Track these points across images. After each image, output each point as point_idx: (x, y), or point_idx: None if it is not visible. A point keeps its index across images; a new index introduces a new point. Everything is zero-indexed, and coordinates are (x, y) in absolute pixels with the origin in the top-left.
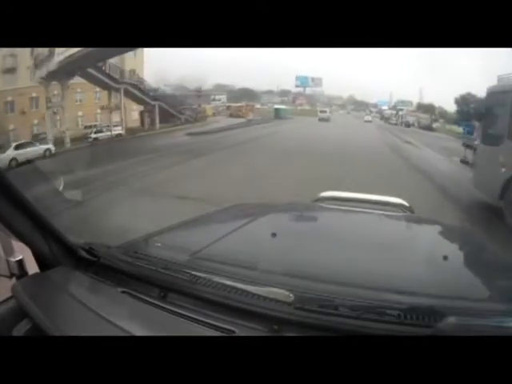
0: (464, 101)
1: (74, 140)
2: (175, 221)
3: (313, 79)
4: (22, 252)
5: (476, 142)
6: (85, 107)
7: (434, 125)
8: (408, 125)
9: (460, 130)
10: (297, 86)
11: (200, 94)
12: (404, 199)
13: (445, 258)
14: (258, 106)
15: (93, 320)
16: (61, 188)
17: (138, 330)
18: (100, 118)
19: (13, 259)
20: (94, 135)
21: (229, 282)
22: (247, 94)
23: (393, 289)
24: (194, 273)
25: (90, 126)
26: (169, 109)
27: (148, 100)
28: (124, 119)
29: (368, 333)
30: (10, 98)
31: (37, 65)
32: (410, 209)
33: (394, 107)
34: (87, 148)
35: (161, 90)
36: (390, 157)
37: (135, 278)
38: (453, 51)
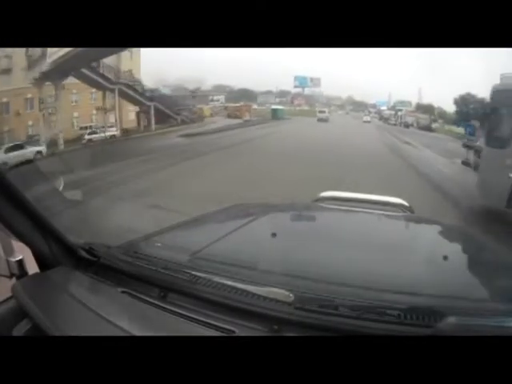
0: (463, 101)
1: (68, 141)
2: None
3: (311, 79)
4: (22, 252)
5: (477, 143)
6: (80, 108)
7: (434, 125)
8: (407, 125)
9: (460, 130)
10: (295, 87)
11: (198, 95)
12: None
13: (445, 258)
14: (255, 106)
15: (93, 320)
16: (60, 188)
17: (137, 330)
18: (96, 119)
19: (13, 259)
20: (87, 136)
21: (229, 282)
22: (246, 95)
23: (393, 289)
24: (194, 273)
25: (86, 127)
26: (165, 109)
27: (143, 101)
28: (119, 120)
29: (368, 333)
30: (4, 100)
31: (30, 65)
32: (409, 209)
33: (392, 107)
34: (79, 150)
35: (158, 91)
36: (389, 158)
37: (135, 277)
38: (452, 51)
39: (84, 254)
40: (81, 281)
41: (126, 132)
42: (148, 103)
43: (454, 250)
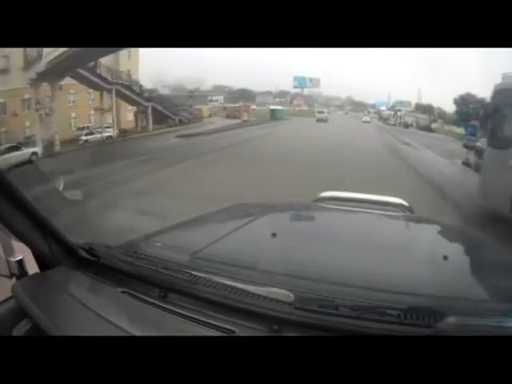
0: (463, 101)
1: (65, 142)
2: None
3: (311, 80)
4: (22, 252)
5: (478, 144)
6: (78, 108)
7: (433, 125)
8: (406, 125)
9: (460, 130)
10: (295, 87)
11: (196, 95)
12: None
13: (445, 258)
14: (253, 106)
15: (93, 320)
16: (60, 188)
17: (137, 330)
18: (94, 120)
19: (13, 259)
20: (84, 137)
21: (229, 282)
22: (245, 95)
23: (393, 289)
24: (194, 273)
25: (84, 128)
26: (162, 110)
27: (141, 101)
28: (116, 121)
29: (368, 333)
30: (0, 100)
31: (26, 66)
32: (409, 209)
33: (392, 108)
34: (75, 151)
35: (157, 91)
36: (388, 158)
37: (135, 277)
38: (451, 51)
39: (84, 254)
40: (81, 281)
41: (123, 132)
42: (145, 103)
43: (454, 250)
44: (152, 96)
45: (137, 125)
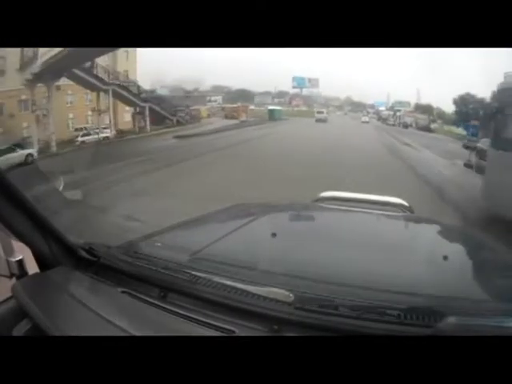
0: (463, 101)
1: (61, 143)
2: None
3: (310, 80)
4: (22, 252)
5: (479, 144)
6: (76, 109)
7: (433, 126)
8: (406, 126)
9: (459, 130)
10: (294, 87)
11: (195, 96)
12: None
13: (445, 258)
14: (252, 107)
15: (93, 320)
16: (60, 188)
17: (137, 330)
18: (91, 121)
19: (13, 259)
20: (80, 138)
21: (229, 282)
22: (244, 95)
23: (393, 289)
24: (194, 273)
25: (81, 129)
26: (160, 111)
27: (138, 102)
28: (113, 121)
29: (368, 333)
30: None
31: (22, 66)
32: (409, 209)
33: (391, 108)
34: (70, 152)
35: (155, 92)
36: (387, 159)
37: (135, 277)
38: (451, 51)
39: (84, 254)
40: (81, 281)
41: (120, 133)
42: (142, 104)
43: (454, 250)
44: (149, 97)
45: (134, 125)
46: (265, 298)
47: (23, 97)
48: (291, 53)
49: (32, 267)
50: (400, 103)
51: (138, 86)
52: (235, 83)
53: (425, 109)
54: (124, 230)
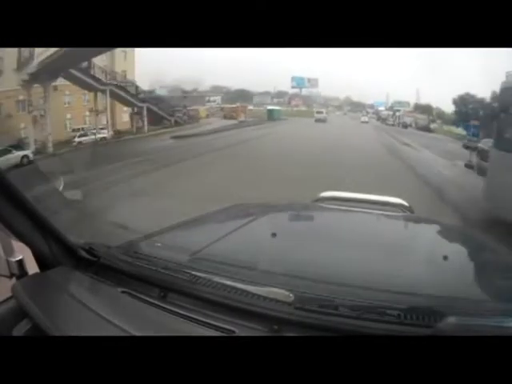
0: (462, 101)
1: (59, 144)
2: None
3: (309, 80)
4: (22, 252)
5: (480, 145)
6: (73, 110)
7: (432, 126)
8: (405, 126)
9: (458, 130)
10: (293, 87)
11: (193, 96)
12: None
13: (445, 258)
14: (250, 107)
15: (93, 320)
16: (60, 188)
17: (137, 330)
18: (89, 121)
19: (13, 259)
20: (77, 139)
21: (229, 282)
22: (243, 95)
23: (393, 289)
24: (194, 273)
25: (79, 129)
26: (158, 111)
27: (136, 102)
28: (110, 122)
29: (368, 333)
30: None
31: (19, 67)
32: (409, 209)
33: (390, 108)
34: (67, 153)
35: (154, 92)
36: (386, 159)
37: (135, 277)
38: (450, 51)
39: (84, 254)
40: (81, 281)
41: (117, 134)
42: (140, 104)
43: (454, 250)
44: (147, 97)
45: (132, 126)
46: (265, 298)
47: (21, 97)
48: (291, 53)
49: (32, 267)
50: (399, 103)
51: (136, 87)
52: (234, 83)
53: (424, 109)
54: (123, 230)
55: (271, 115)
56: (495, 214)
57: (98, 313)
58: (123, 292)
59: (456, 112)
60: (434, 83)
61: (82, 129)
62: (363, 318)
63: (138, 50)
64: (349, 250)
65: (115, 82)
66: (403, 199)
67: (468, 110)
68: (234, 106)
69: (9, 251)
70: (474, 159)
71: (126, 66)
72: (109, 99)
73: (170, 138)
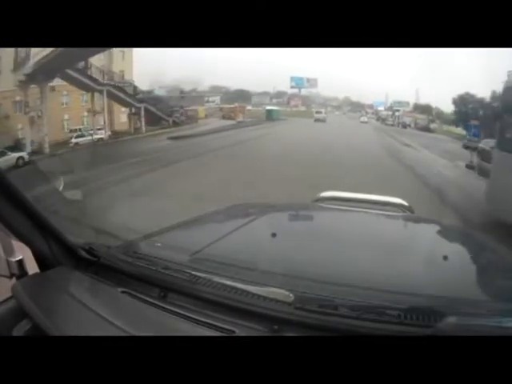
0: (462, 101)
1: (56, 145)
2: None
3: (308, 80)
4: (22, 252)
5: (481, 145)
6: (71, 110)
7: (432, 125)
8: (405, 126)
9: (458, 130)
10: (292, 87)
11: (192, 96)
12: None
13: (445, 258)
14: (249, 107)
15: (93, 320)
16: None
17: (137, 330)
18: (87, 122)
19: (13, 259)
20: (74, 140)
21: (229, 282)
22: (242, 95)
23: (393, 289)
24: (194, 273)
25: (76, 130)
26: (156, 111)
27: (133, 102)
28: (108, 122)
29: (368, 333)
30: None
31: (15, 67)
32: (409, 209)
33: (390, 108)
34: (62, 155)
35: (153, 92)
36: (386, 159)
37: (135, 278)
38: (450, 51)
39: (84, 254)
40: (81, 281)
41: (114, 134)
42: (138, 105)
43: (454, 250)
44: (145, 97)
45: (130, 126)
46: (265, 298)
47: (18, 98)
48: (290, 53)
49: (32, 267)
50: (399, 103)
51: (135, 87)
52: (233, 83)
53: (424, 109)
54: (123, 230)
55: (270, 115)
56: (497, 215)
57: (98, 313)
58: (123, 292)
59: (456, 112)
60: (434, 83)
61: (80, 129)
62: (363, 318)
63: (136, 49)
64: (349, 250)
65: (112, 83)
66: (402, 199)
67: (468, 110)
68: (232, 106)
69: (9, 251)
70: (475, 160)
71: (124, 66)
72: (106, 100)
73: (169, 138)
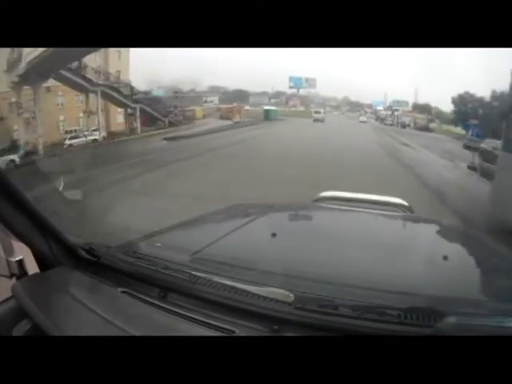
0: (462, 100)
1: (51, 146)
2: None
3: (307, 80)
4: (22, 252)
5: (483, 145)
6: (67, 111)
7: (431, 125)
8: (404, 125)
9: (458, 130)
10: (290, 87)
11: (191, 96)
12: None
13: (445, 258)
14: (247, 107)
15: (93, 320)
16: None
17: (137, 330)
18: (82, 123)
19: (13, 259)
20: (68, 141)
21: (229, 282)
22: (241, 96)
23: (393, 289)
24: (194, 273)
25: (71, 131)
26: (152, 112)
27: (128, 103)
28: (105, 123)
29: (368, 333)
30: None
31: (9, 68)
32: (409, 209)
33: (389, 108)
34: (56, 156)
35: (150, 93)
36: (385, 159)
37: (135, 278)
38: (450, 51)
39: (84, 254)
40: (81, 281)
41: (110, 135)
42: (133, 105)
43: (454, 250)
44: (140, 98)
45: (126, 127)
46: (265, 298)
47: (12, 99)
48: (288, 53)
49: (32, 267)
50: (398, 103)
51: (131, 87)
52: (232, 84)
53: (423, 108)
54: (123, 230)
55: (267, 115)
56: (502, 218)
57: (98, 313)
58: (123, 292)
59: (455, 111)
60: (433, 83)
61: (75, 131)
62: (363, 318)
63: (133, 49)
64: (349, 250)
65: (107, 83)
66: (401, 199)
67: (467, 110)
68: (230, 106)
69: (9, 251)
70: (477, 160)
71: (121, 66)
72: (101, 100)
73: (165, 139)
